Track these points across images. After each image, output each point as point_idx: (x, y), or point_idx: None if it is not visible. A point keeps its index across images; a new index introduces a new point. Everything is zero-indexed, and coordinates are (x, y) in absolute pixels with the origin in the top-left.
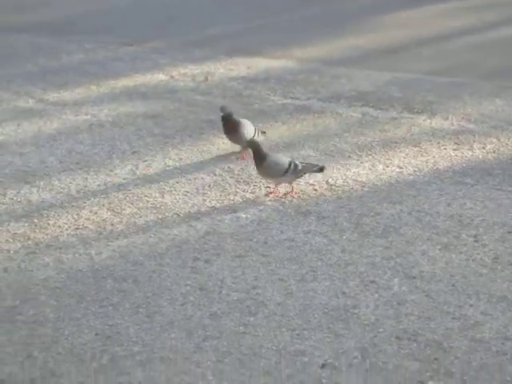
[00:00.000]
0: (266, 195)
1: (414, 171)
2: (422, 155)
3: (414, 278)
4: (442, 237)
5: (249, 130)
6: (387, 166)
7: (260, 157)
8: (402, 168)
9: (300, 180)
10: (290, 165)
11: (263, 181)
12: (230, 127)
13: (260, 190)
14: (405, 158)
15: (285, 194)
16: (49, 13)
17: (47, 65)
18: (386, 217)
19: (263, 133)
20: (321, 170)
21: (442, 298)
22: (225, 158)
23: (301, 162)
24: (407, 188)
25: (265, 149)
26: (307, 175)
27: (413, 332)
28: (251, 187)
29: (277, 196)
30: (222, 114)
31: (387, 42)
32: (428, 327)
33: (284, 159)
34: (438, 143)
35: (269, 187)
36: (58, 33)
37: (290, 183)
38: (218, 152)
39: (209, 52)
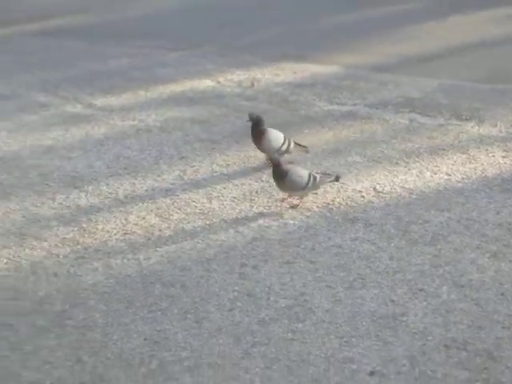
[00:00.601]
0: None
1: (463, 178)
2: (470, 162)
3: (463, 286)
4: (491, 245)
5: (276, 139)
6: (435, 173)
7: (281, 172)
8: (450, 175)
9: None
10: (309, 177)
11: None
12: (256, 135)
13: (307, 196)
14: (453, 165)
15: (293, 206)
16: (97, 17)
17: (94, 70)
18: (435, 224)
19: (303, 146)
20: (337, 179)
21: (491, 307)
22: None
23: (317, 173)
24: (455, 195)
25: (285, 165)
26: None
27: (462, 341)
28: (317, 189)
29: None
30: (251, 119)
31: (433, 49)
32: (477, 336)
33: (304, 172)
34: (487, 150)
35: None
36: (105, 38)
37: (307, 195)
38: (264, 158)
39: (255, 58)
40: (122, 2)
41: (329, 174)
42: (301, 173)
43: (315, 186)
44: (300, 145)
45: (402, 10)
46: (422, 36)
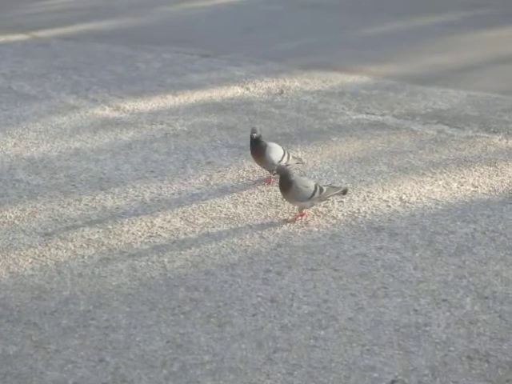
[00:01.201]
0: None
1: (489, 191)
2: (497, 175)
3: (487, 298)
4: None
5: (276, 154)
6: (462, 185)
7: (287, 182)
8: (476, 187)
9: (328, 201)
10: (316, 188)
11: (290, 205)
12: (257, 150)
13: (333, 204)
14: (480, 177)
15: (295, 218)
16: (126, 22)
17: (124, 73)
18: (460, 235)
19: (298, 158)
20: (344, 192)
21: None
22: (299, 171)
23: (324, 185)
24: (481, 207)
25: (292, 175)
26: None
27: (484, 352)
28: (324, 201)
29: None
30: (254, 135)
31: (464, 61)
32: (500, 348)
33: (310, 182)
34: None
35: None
36: (135, 42)
37: (311, 207)
38: (292, 168)
39: (285, 65)
40: (153, 7)
41: (336, 187)
42: (307, 183)
43: (321, 198)
44: (295, 157)
45: (436, 22)
46: (454, 48)
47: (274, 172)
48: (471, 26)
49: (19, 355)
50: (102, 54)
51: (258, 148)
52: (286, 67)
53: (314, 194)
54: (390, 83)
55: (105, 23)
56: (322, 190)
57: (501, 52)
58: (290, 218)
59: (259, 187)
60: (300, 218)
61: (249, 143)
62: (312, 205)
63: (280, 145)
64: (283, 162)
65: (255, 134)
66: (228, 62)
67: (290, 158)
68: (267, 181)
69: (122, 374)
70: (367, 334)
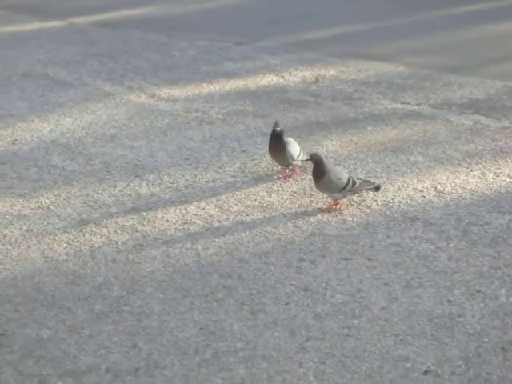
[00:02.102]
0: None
1: None
2: None
3: None
4: None
5: (295, 150)
6: (497, 176)
7: (321, 171)
8: None
9: (361, 194)
10: (348, 181)
11: (323, 195)
12: (278, 146)
13: (367, 193)
14: None
15: (329, 207)
16: (161, 9)
17: (160, 61)
18: (495, 226)
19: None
20: (377, 188)
21: None
22: (334, 160)
23: (358, 179)
24: None
25: (326, 165)
26: (364, 193)
27: None
28: (355, 194)
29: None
30: (277, 129)
31: (501, 51)
32: None
33: (344, 174)
34: None
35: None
36: (170, 30)
37: (343, 198)
38: (326, 154)
39: (320, 54)
40: None
41: (370, 182)
42: (340, 175)
43: (353, 191)
44: (307, 154)
45: (470, 10)
46: (491, 37)
47: (290, 167)
48: (509, 16)
49: (53, 339)
50: (138, 41)
51: (278, 143)
52: (321, 56)
53: (345, 186)
54: (425, 73)
55: (140, 10)
56: (354, 183)
57: None
58: (324, 207)
59: (277, 183)
60: (334, 207)
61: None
62: (344, 196)
63: (296, 141)
64: (300, 158)
65: (278, 128)
66: (263, 50)
67: (304, 154)
68: (284, 176)
69: (155, 360)
70: (400, 324)
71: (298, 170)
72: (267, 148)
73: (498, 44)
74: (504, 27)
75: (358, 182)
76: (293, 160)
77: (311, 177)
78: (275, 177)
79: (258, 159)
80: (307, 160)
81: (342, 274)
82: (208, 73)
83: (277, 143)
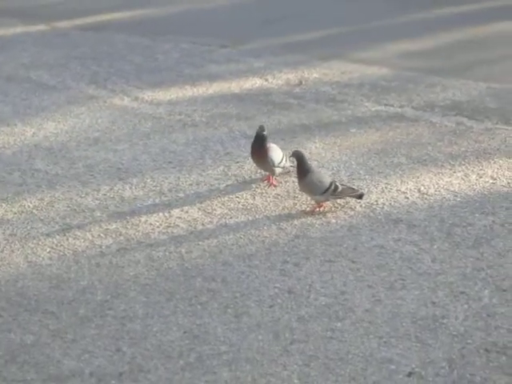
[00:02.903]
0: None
1: (508, 183)
2: None
3: (505, 290)
4: None
5: (277, 155)
6: (480, 177)
7: (303, 170)
8: (495, 179)
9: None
10: (330, 185)
11: (307, 197)
12: (260, 150)
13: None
14: (499, 169)
15: (311, 211)
16: (145, 12)
17: (143, 64)
18: (478, 228)
19: (291, 165)
20: (360, 196)
21: None
22: (317, 162)
23: (342, 185)
24: (500, 200)
25: (309, 163)
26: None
27: (502, 345)
28: (337, 199)
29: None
30: (264, 133)
31: (484, 52)
32: None
33: (326, 178)
34: None
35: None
36: (154, 33)
37: (323, 202)
38: (309, 156)
39: (303, 56)
40: None
41: (353, 189)
42: (323, 178)
43: (335, 196)
44: (290, 161)
45: (453, 12)
46: (473, 40)
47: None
48: (492, 18)
49: (37, 344)
50: (121, 44)
51: (261, 148)
52: (305, 58)
53: (327, 190)
54: (409, 75)
55: (123, 13)
56: (336, 188)
57: None
58: (308, 209)
59: (277, 178)
60: (317, 209)
61: (267, 134)
62: (326, 200)
63: (279, 147)
64: (282, 164)
65: (265, 132)
66: (246, 52)
67: (287, 160)
68: (272, 184)
69: (139, 364)
70: (384, 326)
71: (275, 183)
72: (250, 151)
73: (481, 46)
74: (487, 29)
75: (340, 188)
76: (274, 166)
77: (295, 179)
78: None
79: (242, 162)
80: (291, 166)
81: (326, 277)
82: (191, 75)
83: (259, 148)
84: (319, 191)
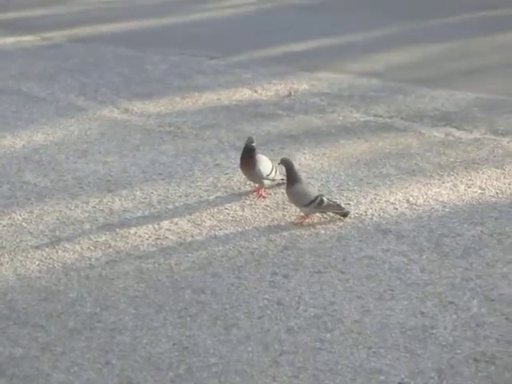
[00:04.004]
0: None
1: (497, 193)
2: (504, 177)
3: (494, 300)
4: None
5: (265, 166)
6: (469, 187)
7: (291, 179)
8: (484, 189)
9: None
10: (316, 198)
11: (296, 208)
12: (249, 162)
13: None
14: (487, 179)
15: (301, 221)
16: (134, 25)
17: (132, 75)
18: (467, 238)
19: (283, 178)
20: (344, 215)
21: None
22: (306, 173)
23: (328, 200)
24: (489, 210)
25: (299, 172)
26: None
27: (491, 355)
28: (322, 213)
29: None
30: (251, 144)
31: (472, 63)
32: (507, 351)
33: (313, 191)
34: None
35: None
36: (143, 44)
37: (309, 214)
38: (298, 167)
39: (292, 68)
40: (160, 10)
41: (340, 206)
42: (309, 191)
43: (319, 210)
44: (282, 173)
45: (442, 23)
46: (462, 50)
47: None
48: (480, 28)
49: (26, 357)
50: (110, 56)
51: (249, 159)
52: (294, 69)
53: (311, 202)
54: (398, 85)
55: (113, 25)
56: (322, 202)
57: (508, 54)
58: (297, 220)
59: (266, 190)
60: (306, 220)
61: (257, 145)
62: (310, 212)
63: (269, 158)
64: (271, 177)
65: (254, 144)
66: (235, 64)
67: (278, 173)
68: (261, 196)
69: (128, 377)
70: (373, 336)
71: (265, 194)
72: (240, 162)
73: (470, 56)
74: (475, 40)
75: (326, 202)
76: (263, 177)
77: (284, 191)
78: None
79: (231, 173)
80: (281, 179)
81: (315, 288)
82: (181, 87)
83: (248, 160)
84: (303, 203)
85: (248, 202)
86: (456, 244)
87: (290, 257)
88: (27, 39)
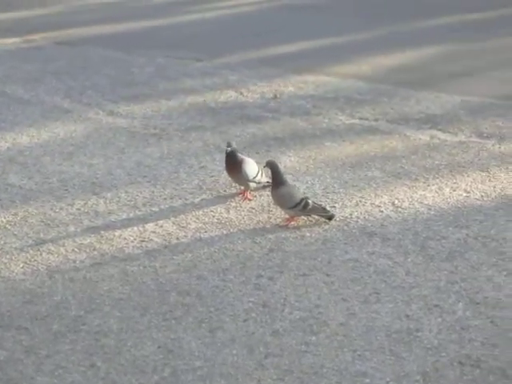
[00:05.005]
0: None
1: (482, 196)
2: (489, 180)
3: (479, 303)
4: (508, 263)
5: (252, 170)
6: (454, 190)
7: (276, 182)
8: (469, 192)
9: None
10: (301, 201)
11: (281, 211)
12: (233, 165)
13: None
14: (472, 182)
15: (286, 223)
16: (120, 27)
17: (118, 78)
18: (452, 241)
19: (268, 180)
20: (329, 218)
21: (506, 325)
22: (291, 176)
23: (313, 202)
24: (474, 213)
25: (284, 175)
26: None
27: (476, 358)
28: (307, 216)
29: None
30: (228, 149)
31: (457, 66)
32: (491, 354)
33: (298, 194)
34: (507, 168)
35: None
36: (129, 47)
37: (294, 216)
38: (284, 170)
39: (278, 70)
40: (147, 12)
41: (325, 209)
42: (294, 193)
43: (304, 213)
44: (268, 176)
45: (429, 25)
46: (448, 53)
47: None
48: (467, 31)
49: (10, 360)
50: (96, 58)
51: (233, 162)
52: (280, 72)
53: (296, 205)
54: (383, 88)
55: (98, 27)
56: (307, 205)
57: (495, 57)
58: (282, 223)
59: (252, 192)
60: (291, 222)
61: (242, 147)
62: (295, 215)
63: (255, 161)
64: (257, 179)
65: (229, 148)
66: (221, 66)
67: (264, 175)
68: (247, 198)
69: (113, 379)
70: (359, 339)
71: (250, 197)
72: (225, 165)
73: (455, 59)
74: (462, 43)
75: (311, 205)
76: (248, 180)
77: (269, 193)
78: (239, 195)
79: (217, 176)
80: (267, 182)
81: (300, 290)
82: (166, 89)
83: (232, 163)
84: (288, 205)
85: (233, 205)
86: (441, 247)
87: (276, 259)
88: (12, 41)
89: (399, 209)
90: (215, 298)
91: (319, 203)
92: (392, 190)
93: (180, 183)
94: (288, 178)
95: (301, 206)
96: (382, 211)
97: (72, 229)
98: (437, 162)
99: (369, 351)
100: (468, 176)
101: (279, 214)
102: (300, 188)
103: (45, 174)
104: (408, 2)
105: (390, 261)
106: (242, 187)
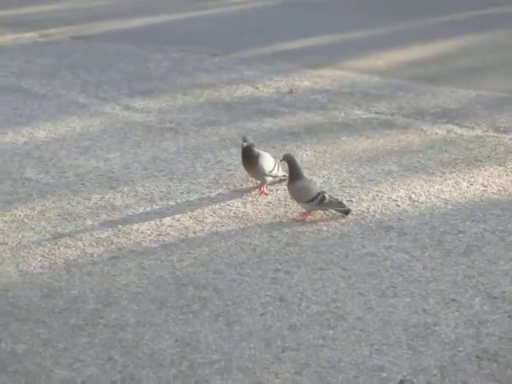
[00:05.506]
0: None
1: (499, 190)
2: (507, 174)
3: (496, 297)
4: None
5: (268, 163)
6: (471, 184)
7: (293, 176)
8: (486, 187)
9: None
10: (317, 195)
11: (297, 205)
12: (249, 159)
13: (342, 203)
14: (489, 176)
15: (303, 217)
16: (136, 22)
17: (134, 72)
18: (469, 235)
19: (285, 174)
20: (346, 212)
21: None
22: (308, 170)
23: (330, 197)
24: (491, 207)
25: (301, 169)
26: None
27: (493, 352)
28: (323, 210)
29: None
30: (244, 144)
31: (474, 61)
32: (509, 348)
33: (315, 188)
34: None
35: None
36: (145, 41)
37: (311, 210)
38: (300, 164)
39: (294, 65)
40: (161, 8)
41: (342, 204)
42: (310, 187)
43: (321, 207)
44: (284, 170)
45: (443, 21)
46: (464, 48)
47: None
48: (483, 26)
49: (28, 353)
50: (112, 53)
51: (249, 157)
52: (296, 66)
53: (313, 199)
54: (399, 83)
55: (114, 22)
56: (323, 199)
57: (511, 52)
58: (299, 217)
59: (268, 186)
60: (306, 217)
61: (258, 142)
62: (311, 209)
63: (271, 155)
64: (273, 173)
65: (245, 143)
66: (237, 61)
67: (280, 169)
68: (263, 192)
69: (131, 373)
70: (376, 333)
71: (267, 191)
72: (241, 160)
73: (471, 54)
74: (477, 38)
75: (327, 200)
76: (265, 174)
77: (285, 187)
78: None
79: (233, 170)
80: (283, 176)
81: (317, 284)
82: (182, 84)
83: (248, 157)
84: (305, 199)
85: (250, 199)
86: (458, 241)
87: (292, 253)
88: (28, 36)
89: (416, 203)
90: (232, 291)
91: (336, 197)
92: (409, 184)
93: (196, 177)
94: (304, 172)
95: (317, 200)
96: (398, 205)
97: (89, 223)
98: (453, 157)
99: (386, 345)
100: (485, 170)
101: (296, 208)
102: (316, 182)
103: (61, 168)
104: None
105: (406, 255)
106: (259, 181)
